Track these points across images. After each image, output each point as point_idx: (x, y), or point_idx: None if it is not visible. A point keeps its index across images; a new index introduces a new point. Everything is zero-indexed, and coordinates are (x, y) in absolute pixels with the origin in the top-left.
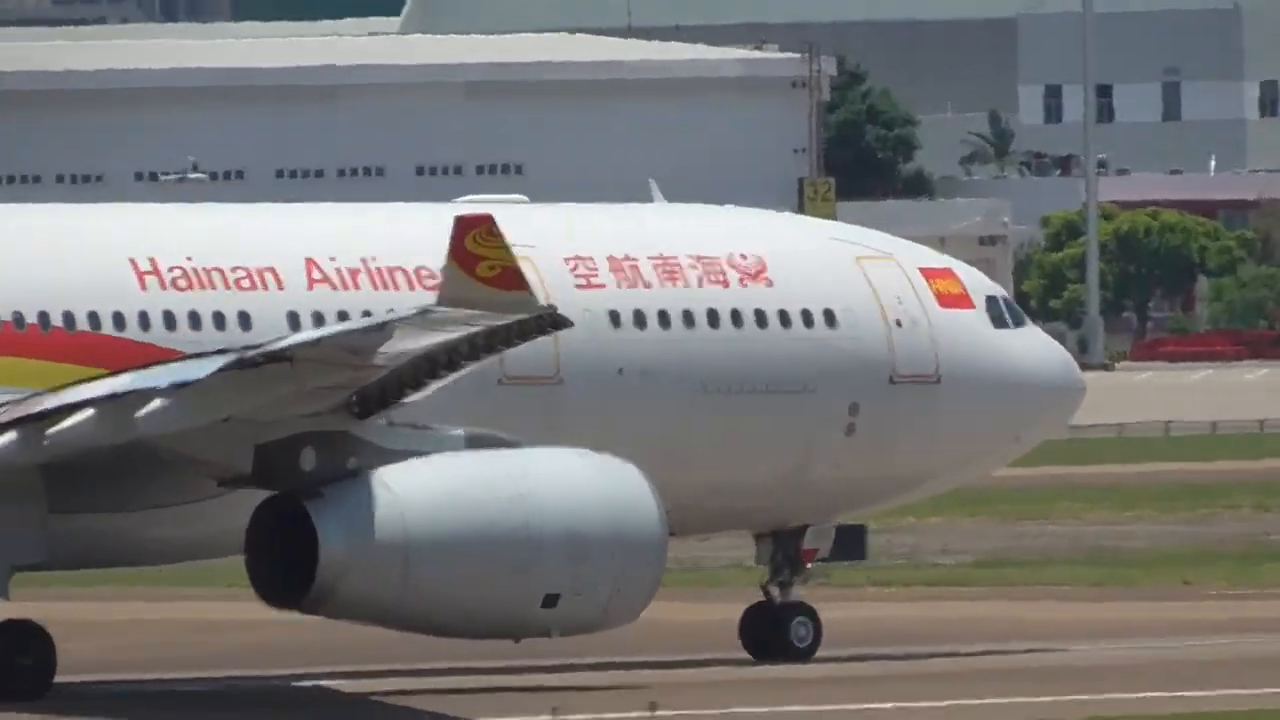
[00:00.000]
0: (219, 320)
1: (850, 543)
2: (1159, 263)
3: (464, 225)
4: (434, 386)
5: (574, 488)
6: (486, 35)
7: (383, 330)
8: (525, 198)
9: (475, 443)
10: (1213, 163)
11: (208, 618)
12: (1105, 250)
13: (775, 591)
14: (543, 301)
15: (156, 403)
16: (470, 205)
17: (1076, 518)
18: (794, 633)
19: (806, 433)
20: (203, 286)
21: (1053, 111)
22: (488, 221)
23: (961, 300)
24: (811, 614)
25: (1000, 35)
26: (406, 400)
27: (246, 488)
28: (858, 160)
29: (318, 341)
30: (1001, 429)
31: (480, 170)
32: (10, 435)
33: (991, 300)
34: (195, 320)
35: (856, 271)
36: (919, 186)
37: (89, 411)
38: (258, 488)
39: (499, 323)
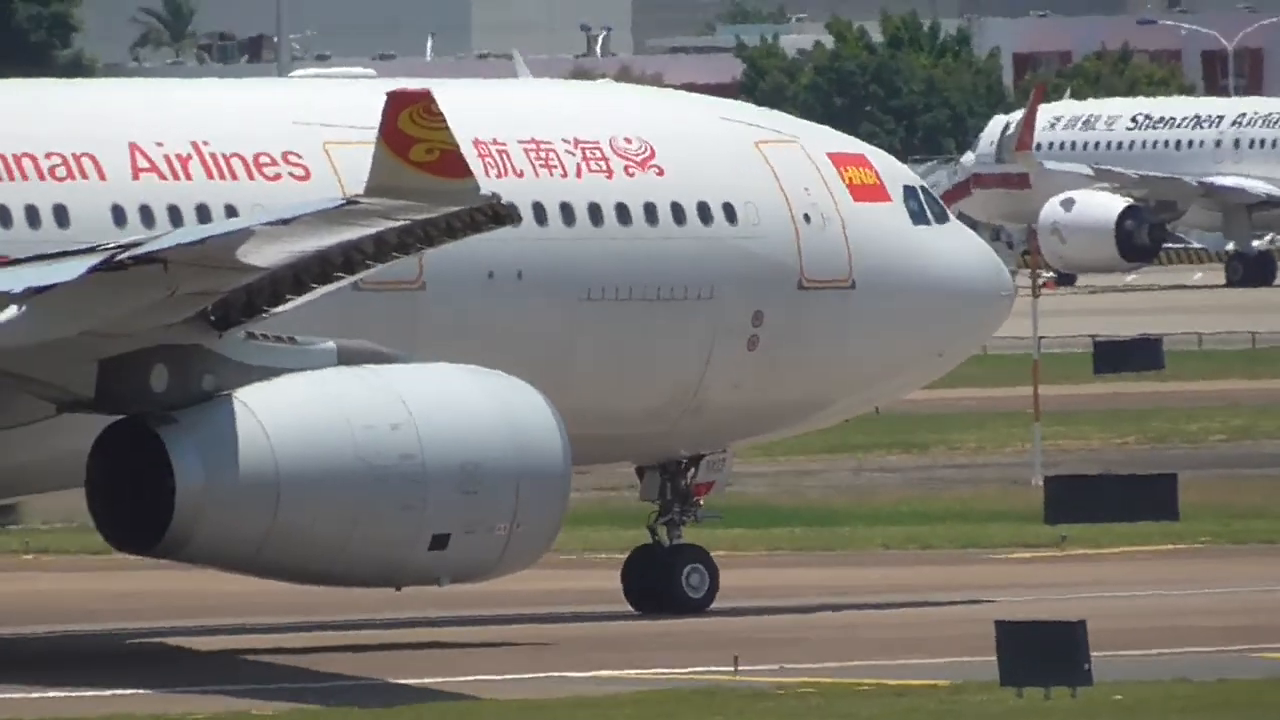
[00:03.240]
0: (32, 216)
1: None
2: None
3: (398, 102)
4: (318, 293)
5: (467, 411)
6: None
7: (288, 226)
8: (372, 71)
9: (349, 357)
10: (430, 44)
11: None
12: None
13: (664, 533)
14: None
15: (11, 311)
16: (313, 78)
17: None
18: (687, 580)
19: (703, 347)
20: (11, 177)
21: None
22: (426, 98)
23: (877, 192)
24: (706, 559)
25: None
26: (280, 310)
27: (87, 412)
28: (9, 43)
29: (202, 242)
30: (923, 342)
31: None
32: None
33: (910, 191)
34: (4, 216)
35: (757, 158)
36: (78, 74)
37: None
38: (100, 412)
39: (430, 215)
